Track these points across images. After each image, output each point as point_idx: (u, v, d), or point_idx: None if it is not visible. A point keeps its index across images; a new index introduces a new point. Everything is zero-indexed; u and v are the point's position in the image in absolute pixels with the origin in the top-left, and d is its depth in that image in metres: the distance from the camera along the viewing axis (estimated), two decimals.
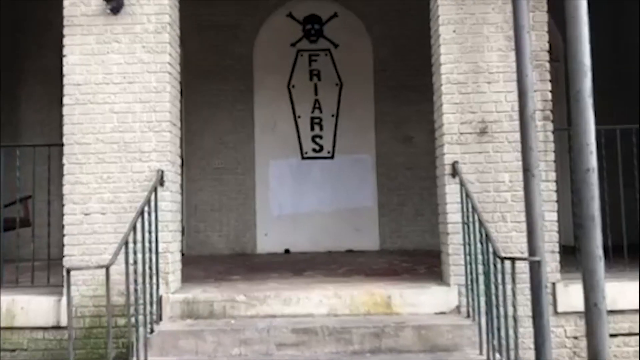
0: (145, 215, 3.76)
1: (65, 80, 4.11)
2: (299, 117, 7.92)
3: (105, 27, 4.10)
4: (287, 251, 7.72)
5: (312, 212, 7.80)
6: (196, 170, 7.83)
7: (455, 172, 4.02)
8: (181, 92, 8.22)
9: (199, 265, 6.13)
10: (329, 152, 7.90)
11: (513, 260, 3.02)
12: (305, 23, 8.01)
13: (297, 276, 4.89)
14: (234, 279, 4.81)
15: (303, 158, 7.89)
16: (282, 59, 7.96)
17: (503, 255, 3.13)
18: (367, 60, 7.96)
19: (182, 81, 8.08)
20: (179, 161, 4.36)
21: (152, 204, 3.87)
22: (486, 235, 3.45)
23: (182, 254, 7.89)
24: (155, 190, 3.90)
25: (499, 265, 3.20)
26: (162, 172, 4.02)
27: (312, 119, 7.93)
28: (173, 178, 4.15)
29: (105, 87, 4.08)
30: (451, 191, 4.05)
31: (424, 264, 5.60)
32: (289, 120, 7.92)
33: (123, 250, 3.36)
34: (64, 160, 4.07)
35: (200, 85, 7.87)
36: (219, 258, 7.04)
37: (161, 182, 4.01)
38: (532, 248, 3.57)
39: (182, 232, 7.96)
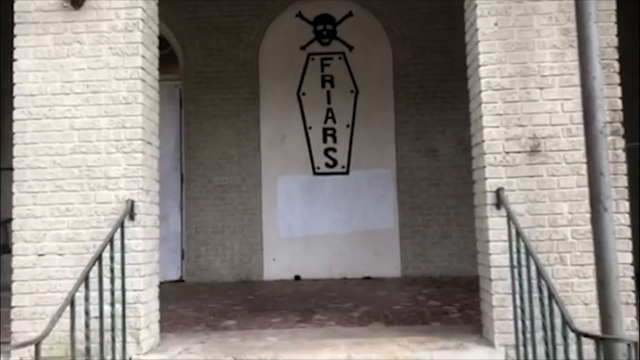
0: (106, 258, 2.99)
1: (16, 90, 3.35)
2: (310, 128, 7.12)
3: (64, 24, 3.35)
4: (297, 278, 6.90)
5: (325, 234, 6.99)
6: (196, 188, 7.07)
7: (500, 202, 3.17)
8: (180, 102, 7.58)
9: (195, 298, 5.36)
10: (343, 167, 7.08)
11: (597, 340, 2.16)
12: (316, 23, 7.23)
13: (303, 322, 4.08)
14: (227, 326, 4.01)
15: (315, 173, 7.09)
16: (291, 64, 7.19)
17: (581, 330, 2.28)
18: (386, 64, 7.15)
19: (181, 89, 7.42)
20: (156, 187, 3.57)
21: (118, 242, 3.10)
22: (548, 290, 2.61)
23: (182, 281, 7.19)
24: (122, 225, 3.13)
25: (570, 336, 2.36)
26: (133, 202, 3.24)
27: (325, 130, 7.13)
28: (147, 209, 3.37)
29: (65, 98, 3.32)
30: (495, 226, 3.19)
31: (456, 303, 4.74)
32: (299, 131, 7.12)
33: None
34: (14, 189, 3.31)
35: (201, 94, 7.13)
36: (221, 287, 6.25)
37: (131, 215, 3.22)
38: (604, 302, 2.71)
39: (182, 256, 7.26)
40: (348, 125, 7.11)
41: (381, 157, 7.06)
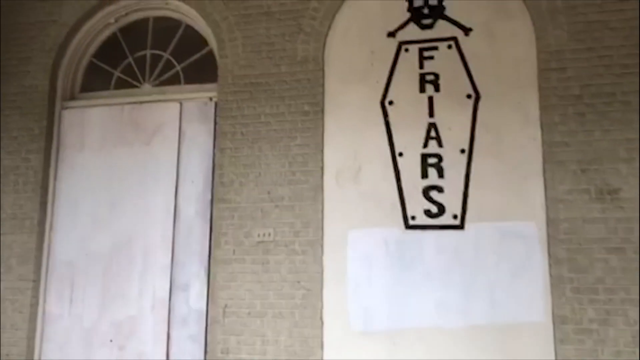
0: None
1: None
2: (401, 154, 4.53)
3: None
4: None
5: (426, 329, 4.25)
6: (228, 246, 4.70)
7: None
8: (215, 120, 5.36)
9: None
10: (455, 217, 4.37)
11: None
12: None
13: None
14: None
15: (408, 227, 4.43)
16: (373, 59, 4.72)
17: None
18: (526, 53, 4.46)
19: (216, 101, 5.24)
20: None
21: None
22: None
23: None
24: None
25: None
26: None
27: (425, 157, 4.50)
28: None
29: None
30: None
31: None
32: (383, 160, 4.56)
33: None
34: None
35: (241, 107, 4.87)
36: None
37: None
38: None
39: (205, 349, 4.89)
40: (463, 151, 4.44)
41: (519, 202, 4.27)
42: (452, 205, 4.37)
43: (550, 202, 4.19)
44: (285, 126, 4.74)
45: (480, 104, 4.46)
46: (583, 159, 4.20)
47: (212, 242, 4.78)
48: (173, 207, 4.97)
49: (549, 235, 4.17)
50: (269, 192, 4.68)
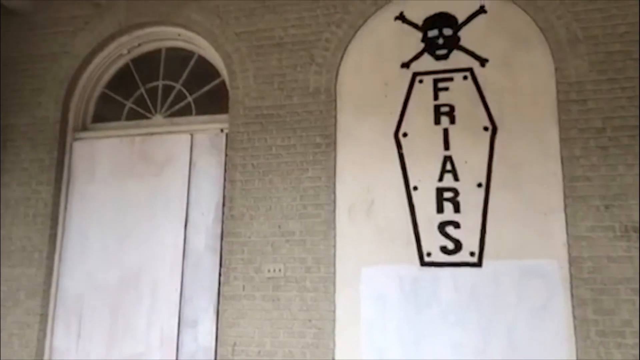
0: None
1: None
2: (416, 188, 4.40)
3: None
4: None
5: None
6: (238, 281, 4.58)
7: None
8: (226, 152, 5.24)
9: None
10: (472, 254, 4.20)
11: None
12: (427, 28, 4.65)
13: None
14: None
15: (423, 264, 4.27)
16: (387, 90, 4.62)
17: None
18: (545, 85, 4.32)
19: (227, 133, 5.15)
20: None
21: None
22: None
23: None
24: None
25: None
26: None
27: (440, 191, 4.35)
28: None
29: None
30: None
31: None
32: (397, 194, 4.42)
33: None
34: None
35: (252, 139, 4.79)
36: None
37: None
38: None
39: None
40: (480, 185, 4.29)
41: (540, 240, 4.09)
42: (469, 241, 4.21)
43: (573, 239, 4.01)
44: (297, 158, 4.64)
45: (498, 136, 4.31)
46: (606, 195, 4.02)
47: (222, 277, 4.66)
48: (182, 240, 4.88)
49: (571, 275, 3.98)
50: (279, 226, 4.56)
